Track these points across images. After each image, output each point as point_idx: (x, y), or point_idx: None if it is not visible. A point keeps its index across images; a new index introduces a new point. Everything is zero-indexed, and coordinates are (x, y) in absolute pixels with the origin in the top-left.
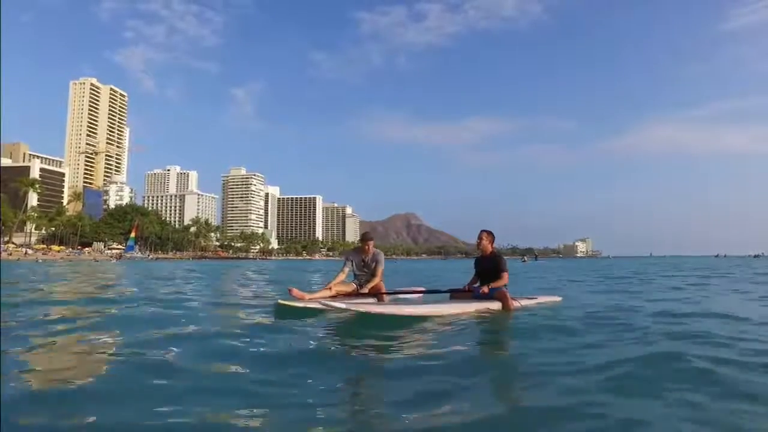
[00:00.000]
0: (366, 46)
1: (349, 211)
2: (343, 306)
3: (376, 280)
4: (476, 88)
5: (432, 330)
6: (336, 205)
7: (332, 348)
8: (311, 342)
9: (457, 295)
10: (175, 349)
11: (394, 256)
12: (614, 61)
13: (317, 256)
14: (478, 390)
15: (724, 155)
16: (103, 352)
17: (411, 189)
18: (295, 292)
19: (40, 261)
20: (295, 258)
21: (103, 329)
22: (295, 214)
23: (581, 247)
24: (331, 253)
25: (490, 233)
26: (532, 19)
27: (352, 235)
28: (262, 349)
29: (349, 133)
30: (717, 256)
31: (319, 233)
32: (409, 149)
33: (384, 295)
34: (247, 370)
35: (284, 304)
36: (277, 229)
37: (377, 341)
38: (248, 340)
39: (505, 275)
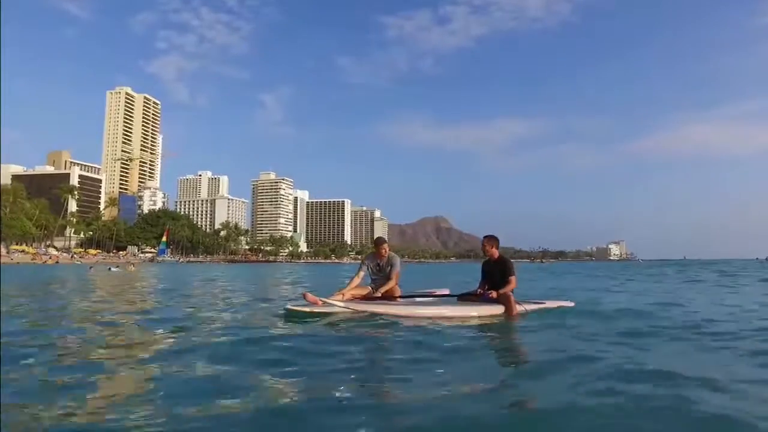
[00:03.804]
0: (392, 50)
1: (377, 214)
2: (341, 305)
3: (391, 284)
4: (504, 89)
5: (420, 332)
6: (365, 208)
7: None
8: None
9: (464, 298)
10: None
11: (422, 260)
12: (646, 59)
13: (345, 260)
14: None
15: (765, 153)
16: None
17: (440, 192)
18: (309, 297)
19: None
20: (323, 261)
21: None
22: (323, 218)
23: (615, 249)
24: (359, 257)
25: (492, 238)
26: (561, 19)
27: None
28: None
29: (377, 137)
30: (758, 259)
31: (347, 236)
32: (437, 152)
33: (398, 299)
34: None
35: (293, 310)
36: (306, 232)
37: (365, 342)
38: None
39: (513, 279)
